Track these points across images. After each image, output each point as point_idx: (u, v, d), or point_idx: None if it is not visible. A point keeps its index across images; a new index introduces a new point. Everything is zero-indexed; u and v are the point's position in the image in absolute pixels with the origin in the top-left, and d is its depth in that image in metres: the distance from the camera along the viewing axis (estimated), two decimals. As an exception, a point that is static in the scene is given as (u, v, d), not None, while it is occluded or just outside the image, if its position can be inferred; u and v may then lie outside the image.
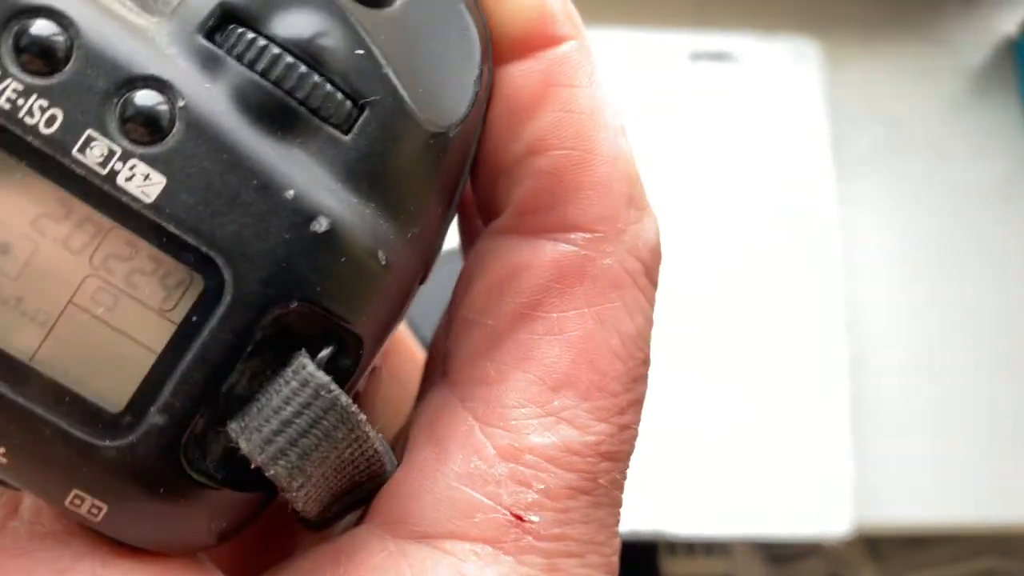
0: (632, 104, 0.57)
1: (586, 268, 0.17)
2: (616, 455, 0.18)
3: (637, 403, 0.18)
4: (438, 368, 0.19)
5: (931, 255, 0.57)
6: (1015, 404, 0.55)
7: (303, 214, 0.15)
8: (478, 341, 0.18)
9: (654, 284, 0.18)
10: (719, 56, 0.58)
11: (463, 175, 0.18)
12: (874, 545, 0.75)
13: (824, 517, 0.51)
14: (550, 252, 0.17)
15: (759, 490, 0.51)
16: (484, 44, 0.17)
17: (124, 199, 0.14)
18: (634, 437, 0.18)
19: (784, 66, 0.58)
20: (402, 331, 0.22)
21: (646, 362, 0.18)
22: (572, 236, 0.17)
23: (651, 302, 0.18)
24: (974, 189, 0.59)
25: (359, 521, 0.17)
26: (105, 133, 0.14)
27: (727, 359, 0.53)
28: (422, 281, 0.18)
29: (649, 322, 0.18)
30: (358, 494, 0.17)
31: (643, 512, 0.50)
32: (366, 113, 0.16)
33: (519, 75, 0.18)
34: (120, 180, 0.14)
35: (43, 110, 0.14)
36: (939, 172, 0.59)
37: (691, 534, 0.51)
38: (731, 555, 0.77)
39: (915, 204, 0.58)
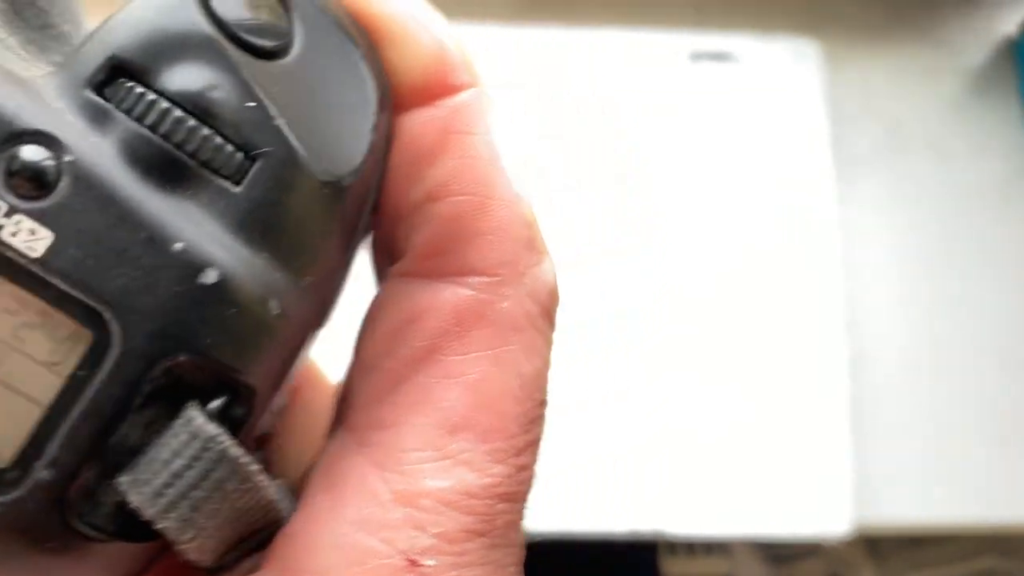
0: (632, 104, 0.57)
1: (485, 311, 0.17)
2: (513, 496, 0.18)
3: (534, 444, 0.18)
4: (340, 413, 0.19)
5: (931, 255, 0.57)
6: (1015, 404, 0.55)
7: (192, 266, 0.15)
8: (376, 385, 0.17)
9: (552, 326, 0.18)
10: (719, 56, 0.58)
11: (361, 222, 0.18)
12: (874, 545, 0.75)
13: (824, 517, 0.51)
14: (450, 296, 0.17)
15: (759, 490, 0.51)
16: (381, 92, 0.17)
17: (10, 254, 0.14)
18: (532, 478, 0.18)
19: (784, 66, 0.58)
20: (317, 365, 0.23)
21: (544, 403, 0.18)
22: (471, 280, 0.17)
23: (549, 344, 0.18)
24: (974, 189, 0.59)
25: (258, 566, 0.17)
26: None
27: (727, 359, 0.53)
28: (321, 326, 0.18)
29: (547, 363, 0.18)
30: (255, 540, 0.17)
31: (643, 512, 0.50)
32: (257, 164, 0.16)
33: (419, 123, 0.18)
34: (5, 235, 0.14)
35: None
36: (939, 172, 0.59)
37: (691, 534, 0.51)
38: (731, 555, 0.77)
39: (915, 204, 0.58)
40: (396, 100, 0.18)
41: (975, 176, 0.59)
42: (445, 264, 0.17)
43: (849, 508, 0.51)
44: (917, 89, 0.61)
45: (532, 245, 0.18)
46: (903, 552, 0.74)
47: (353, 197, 0.17)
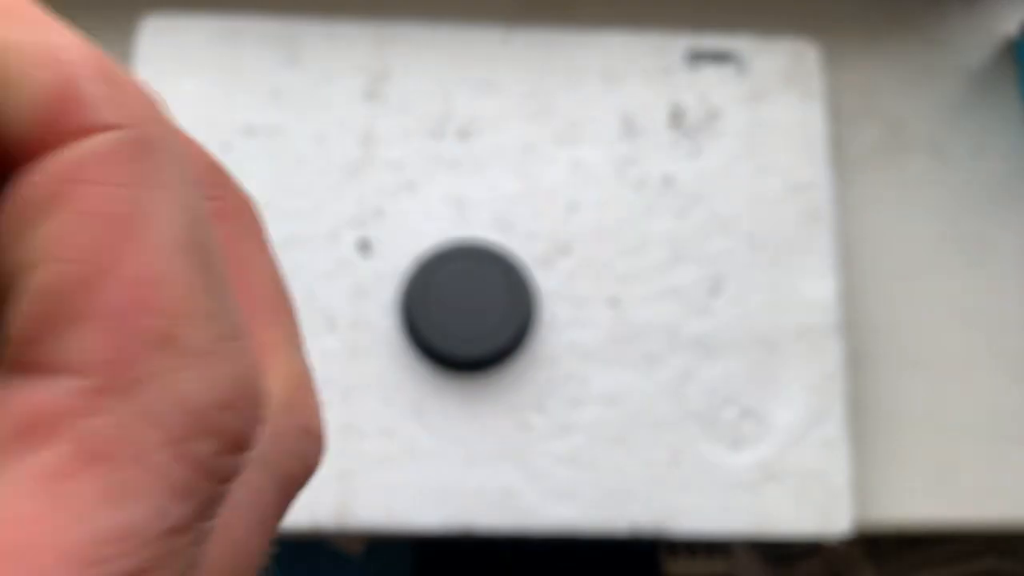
0: (631, 104, 0.57)
1: (62, 426, 0.13)
2: None
3: None
4: None
5: (931, 255, 0.57)
6: (1015, 404, 0.55)
7: None
8: None
9: (194, 465, 0.13)
10: (719, 56, 0.58)
11: None
12: (874, 545, 0.75)
13: (824, 517, 0.51)
14: (23, 396, 0.13)
15: (759, 490, 0.51)
16: None
17: None
18: None
19: (784, 66, 0.58)
20: None
21: (147, 569, 0.13)
22: (58, 379, 0.13)
23: (175, 489, 0.13)
24: (974, 189, 0.59)
25: None
26: None
27: (726, 359, 0.53)
28: None
29: (160, 517, 0.13)
30: None
31: (643, 512, 0.51)
32: None
33: (32, 171, 0.14)
34: None
35: None
36: (939, 172, 0.59)
37: (691, 534, 0.51)
38: (731, 555, 0.77)
39: (915, 204, 0.58)
40: (9, 150, 0.14)
41: (975, 176, 0.59)
42: (31, 353, 0.13)
43: (849, 508, 0.51)
44: (917, 89, 0.61)
45: (168, 344, 0.13)
46: (903, 552, 0.74)
47: None
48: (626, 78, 0.57)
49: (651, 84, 0.57)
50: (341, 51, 0.57)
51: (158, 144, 0.14)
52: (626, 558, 0.73)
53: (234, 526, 0.15)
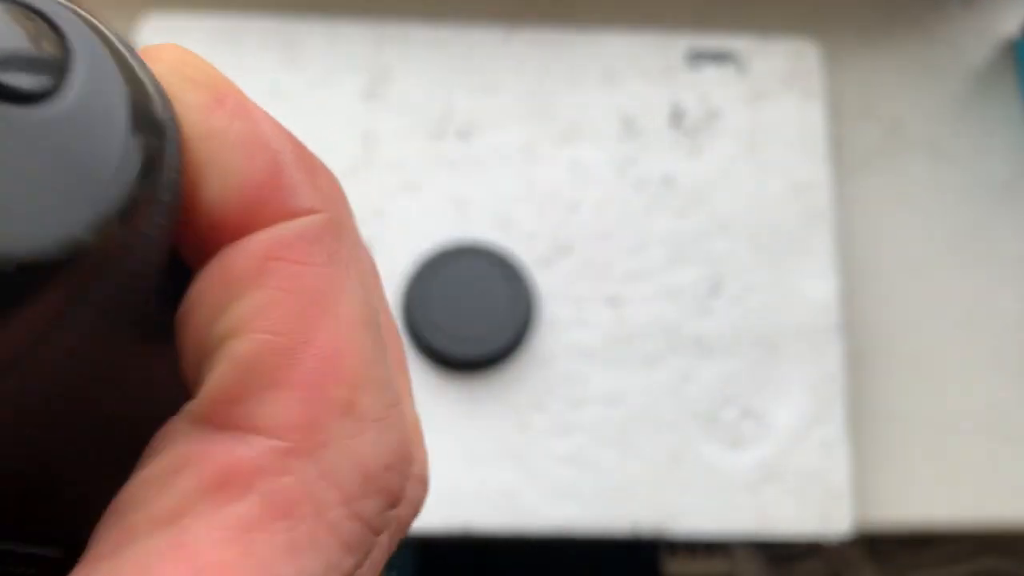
0: (630, 105, 0.57)
1: (255, 482, 0.14)
2: None
3: None
4: None
5: (931, 255, 0.57)
6: (1015, 404, 0.55)
7: None
8: (108, 541, 0.14)
9: (363, 521, 0.15)
10: (719, 56, 0.58)
11: (95, 335, 0.14)
12: (874, 545, 0.75)
13: (824, 517, 0.51)
14: (222, 452, 0.14)
15: (759, 490, 0.51)
16: (146, 174, 0.14)
17: None
18: None
19: (784, 66, 0.58)
20: None
21: None
22: (253, 440, 0.14)
23: (346, 543, 0.15)
24: (974, 189, 0.59)
25: None
26: None
27: (726, 359, 0.53)
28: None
29: (332, 569, 0.14)
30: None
31: (643, 512, 0.50)
32: None
33: (238, 247, 0.15)
34: None
35: None
36: (940, 172, 0.59)
37: (691, 534, 0.51)
38: (731, 555, 0.77)
39: (915, 204, 0.58)
40: (216, 225, 0.15)
41: (975, 176, 0.59)
42: (232, 414, 0.14)
43: (849, 508, 0.51)
44: (918, 89, 0.61)
45: (352, 411, 0.15)
46: (903, 552, 0.74)
47: (55, 289, 0.13)
48: (626, 78, 0.57)
49: (651, 84, 0.57)
50: (341, 51, 0.57)
51: (346, 226, 0.16)
52: (626, 558, 0.73)
53: (363, 570, 0.17)
